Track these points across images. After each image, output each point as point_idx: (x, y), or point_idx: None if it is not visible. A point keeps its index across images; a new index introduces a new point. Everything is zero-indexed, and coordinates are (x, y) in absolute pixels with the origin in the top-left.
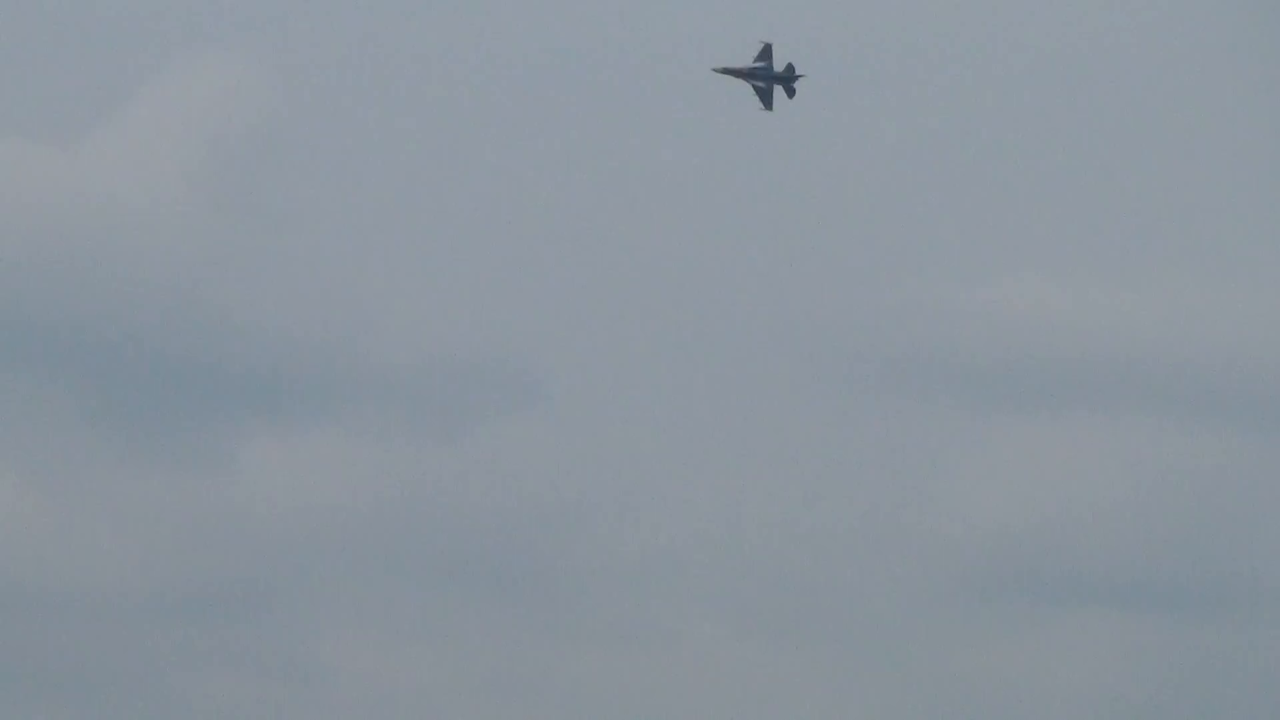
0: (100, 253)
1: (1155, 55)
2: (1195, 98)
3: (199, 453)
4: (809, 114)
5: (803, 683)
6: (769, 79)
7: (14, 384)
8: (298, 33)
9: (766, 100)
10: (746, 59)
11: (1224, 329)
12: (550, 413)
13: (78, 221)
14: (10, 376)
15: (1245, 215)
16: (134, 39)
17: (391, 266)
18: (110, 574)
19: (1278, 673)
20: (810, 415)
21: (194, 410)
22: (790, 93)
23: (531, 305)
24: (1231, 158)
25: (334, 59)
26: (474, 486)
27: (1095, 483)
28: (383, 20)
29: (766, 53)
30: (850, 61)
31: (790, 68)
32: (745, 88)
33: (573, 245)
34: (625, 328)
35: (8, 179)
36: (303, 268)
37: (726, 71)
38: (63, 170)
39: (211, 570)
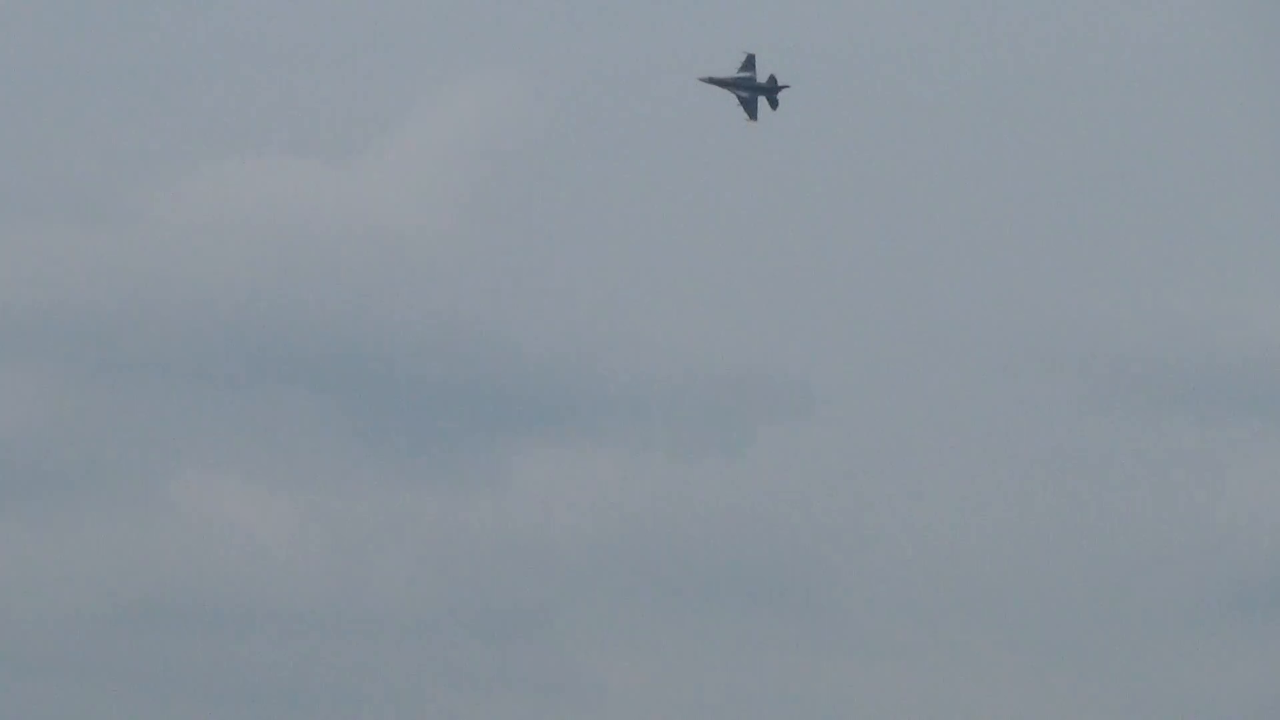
0: (374, 273)
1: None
2: None
3: (475, 472)
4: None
5: (1073, 695)
6: (753, 89)
7: (292, 406)
8: (568, 54)
9: (751, 110)
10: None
11: None
12: (825, 424)
13: (351, 241)
14: (288, 399)
15: None
16: (409, 60)
17: (664, 282)
18: (387, 594)
19: None
20: (1083, 429)
21: (470, 430)
22: (774, 103)
23: (805, 317)
24: None
25: (603, 79)
26: (749, 500)
27: None
28: (645, 40)
29: (750, 63)
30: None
31: (773, 79)
32: (730, 97)
33: (844, 254)
34: (897, 337)
35: (282, 197)
36: (575, 285)
37: (711, 81)
38: (336, 189)
39: (488, 589)
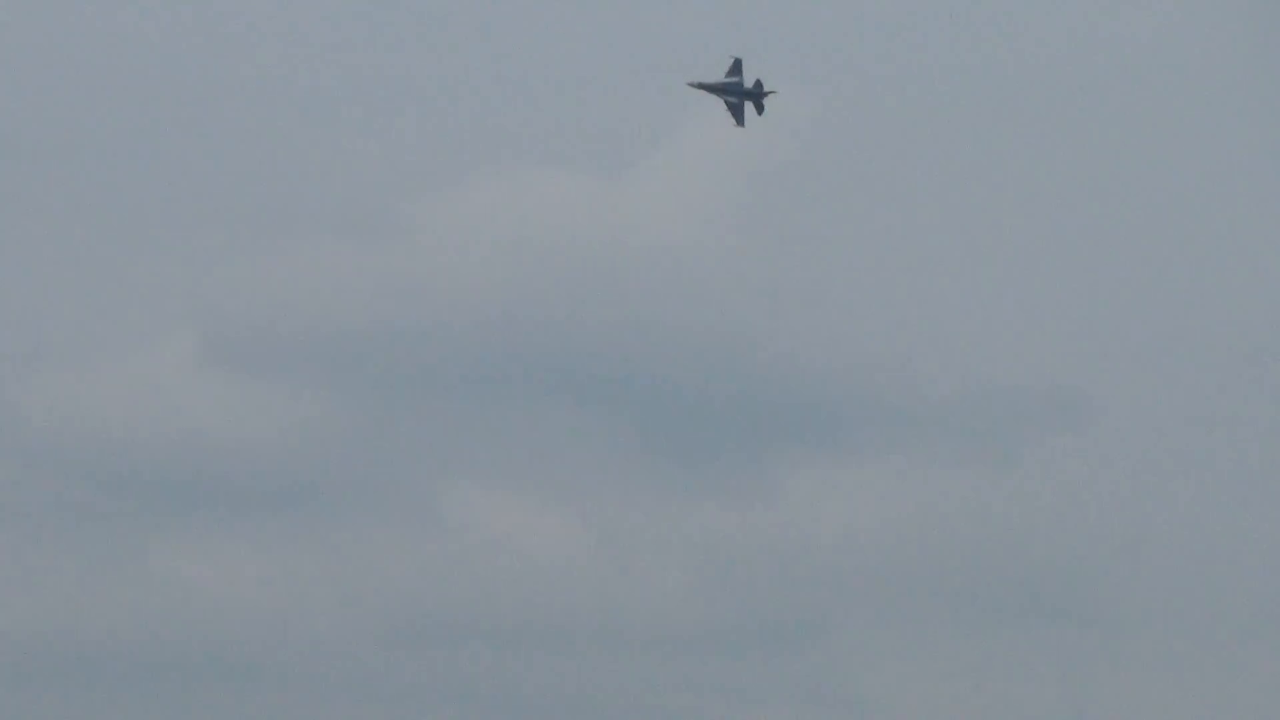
0: (645, 287)
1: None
2: None
3: (748, 485)
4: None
5: None
6: (740, 95)
7: (564, 420)
8: (837, 66)
9: (738, 116)
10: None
11: None
12: (1104, 436)
13: (623, 255)
14: (560, 413)
15: None
16: (679, 73)
17: (937, 292)
18: (659, 607)
19: None
20: None
21: (742, 443)
22: (760, 109)
23: (1080, 326)
24: None
25: (870, 90)
26: (1027, 513)
27: None
28: (911, 51)
29: (737, 68)
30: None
31: (759, 83)
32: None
33: (1117, 262)
34: (1172, 346)
35: (556, 212)
36: (846, 298)
37: (700, 86)
38: (609, 203)
39: (761, 601)
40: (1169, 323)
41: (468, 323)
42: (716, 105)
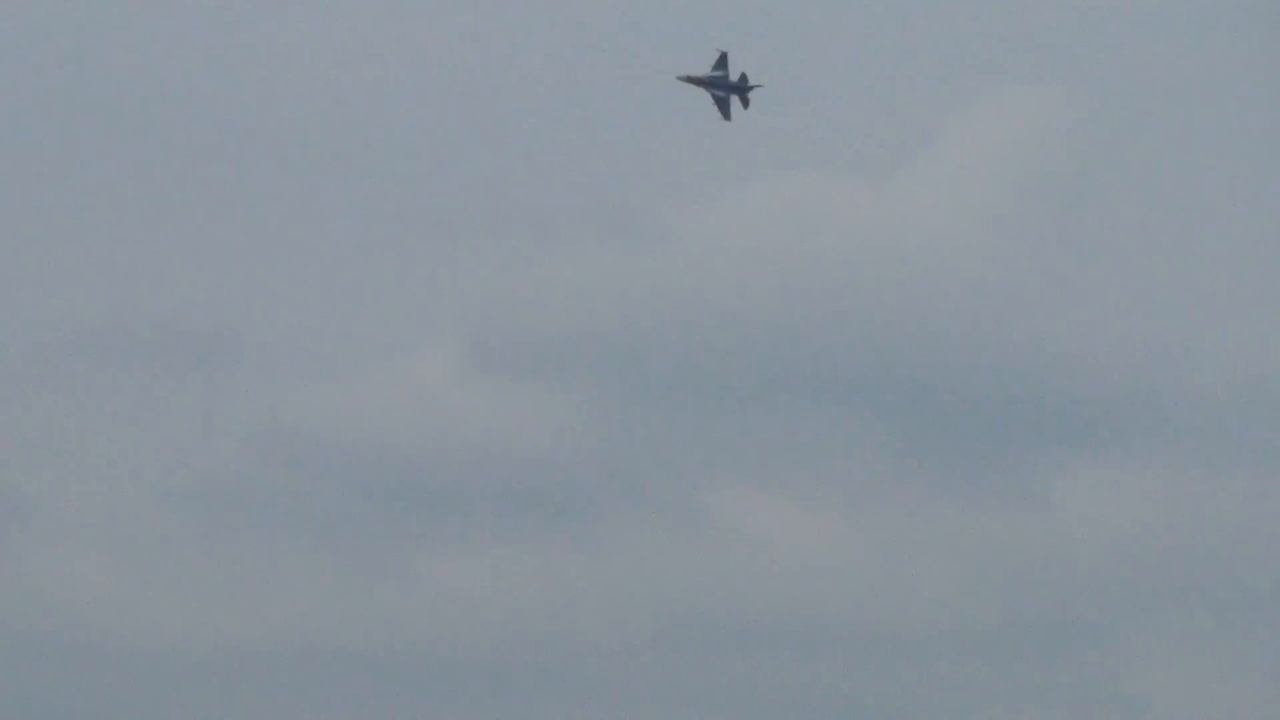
0: (914, 288)
1: None
2: None
3: (1016, 487)
4: None
5: None
6: (726, 88)
7: (830, 423)
8: (1105, 68)
9: (724, 109)
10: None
11: None
12: None
13: (891, 257)
14: (828, 415)
15: None
16: (945, 76)
17: (1208, 290)
18: (930, 609)
19: None
20: None
21: (1009, 444)
22: (745, 103)
23: None
24: None
25: (1133, 90)
26: None
27: None
28: (1170, 51)
29: (723, 61)
30: None
31: (744, 77)
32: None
33: None
34: None
35: (822, 214)
36: (1114, 298)
37: (689, 80)
38: (876, 206)
39: (1032, 604)
40: None
41: (733, 326)
42: (705, 97)
